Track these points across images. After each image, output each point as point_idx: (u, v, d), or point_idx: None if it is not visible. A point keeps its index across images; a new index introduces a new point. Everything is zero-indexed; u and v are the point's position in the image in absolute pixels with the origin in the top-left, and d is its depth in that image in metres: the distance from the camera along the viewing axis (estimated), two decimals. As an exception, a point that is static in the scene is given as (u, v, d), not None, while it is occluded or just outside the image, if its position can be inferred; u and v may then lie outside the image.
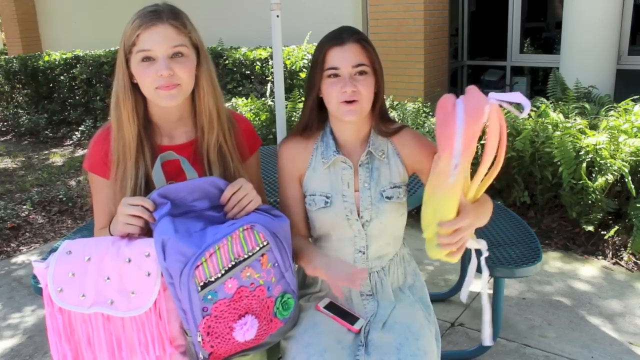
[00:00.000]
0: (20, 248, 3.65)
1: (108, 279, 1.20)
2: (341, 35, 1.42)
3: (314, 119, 1.52)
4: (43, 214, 4.18)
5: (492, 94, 1.21)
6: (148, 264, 1.21)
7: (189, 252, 1.17)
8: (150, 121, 1.42)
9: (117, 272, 1.21)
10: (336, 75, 1.41)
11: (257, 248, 1.23)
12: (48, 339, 1.23)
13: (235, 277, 1.20)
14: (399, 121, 1.61)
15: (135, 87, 1.36)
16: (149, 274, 1.21)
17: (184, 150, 1.42)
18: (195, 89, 1.40)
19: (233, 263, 1.20)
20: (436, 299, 2.67)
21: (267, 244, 1.25)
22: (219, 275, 1.18)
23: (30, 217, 4.12)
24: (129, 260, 1.21)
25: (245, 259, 1.21)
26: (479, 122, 1.17)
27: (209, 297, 1.18)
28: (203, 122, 1.42)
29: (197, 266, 1.17)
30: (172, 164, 1.38)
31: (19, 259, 3.48)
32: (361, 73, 1.41)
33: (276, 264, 1.27)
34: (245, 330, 1.22)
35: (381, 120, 1.52)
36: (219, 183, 1.31)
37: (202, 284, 1.17)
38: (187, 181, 1.30)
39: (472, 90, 1.22)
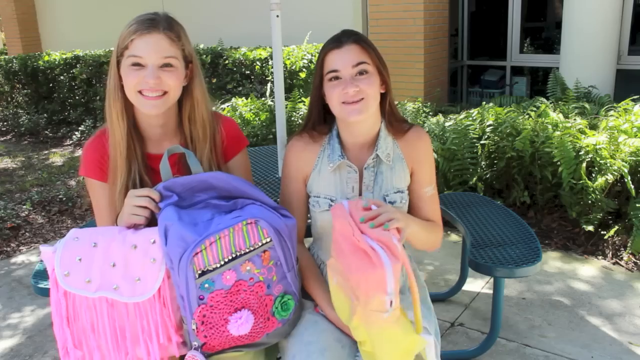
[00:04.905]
0: (20, 248, 3.65)
1: (114, 264, 1.23)
2: (340, 39, 1.43)
3: (318, 120, 1.52)
4: (43, 214, 4.18)
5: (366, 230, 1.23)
6: (153, 250, 1.23)
7: (190, 239, 1.19)
8: (138, 129, 1.44)
9: (123, 258, 1.23)
10: (337, 78, 1.41)
11: (260, 244, 1.23)
12: (52, 323, 1.25)
13: (235, 270, 1.21)
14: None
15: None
16: (154, 260, 1.23)
17: (170, 159, 1.42)
18: (189, 101, 1.43)
19: (233, 255, 1.21)
20: (436, 299, 2.67)
21: (270, 240, 1.25)
22: (218, 265, 1.20)
23: (30, 217, 4.12)
24: (135, 247, 1.24)
25: (246, 253, 1.22)
26: (398, 256, 1.20)
27: (206, 285, 1.19)
28: (198, 133, 1.44)
29: (197, 253, 1.18)
30: (171, 161, 1.39)
31: (19, 259, 3.48)
32: (362, 72, 1.41)
33: (278, 262, 1.27)
34: (240, 325, 1.22)
35: (392, 120, 1.51)
36: (224, 177, 1.32)
37: (200, 271, 1.19)
38: (194, 175, 1.31)
39: (378, 233, 1.22)
